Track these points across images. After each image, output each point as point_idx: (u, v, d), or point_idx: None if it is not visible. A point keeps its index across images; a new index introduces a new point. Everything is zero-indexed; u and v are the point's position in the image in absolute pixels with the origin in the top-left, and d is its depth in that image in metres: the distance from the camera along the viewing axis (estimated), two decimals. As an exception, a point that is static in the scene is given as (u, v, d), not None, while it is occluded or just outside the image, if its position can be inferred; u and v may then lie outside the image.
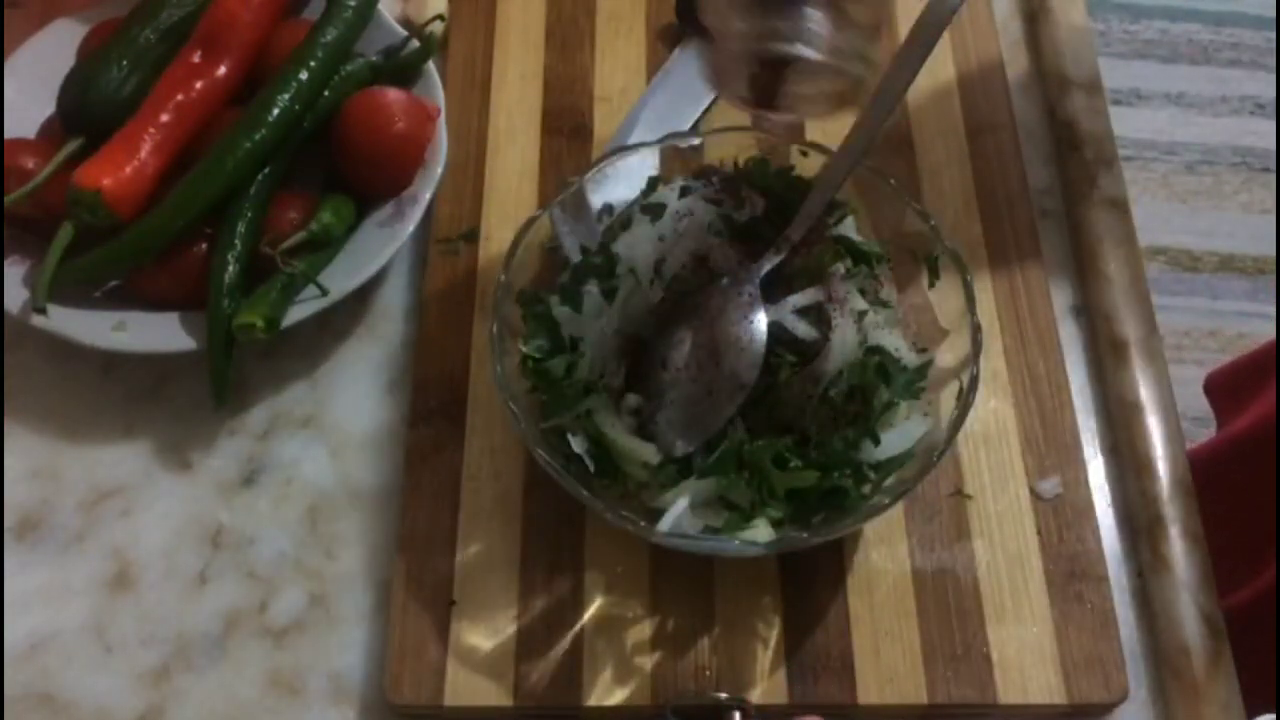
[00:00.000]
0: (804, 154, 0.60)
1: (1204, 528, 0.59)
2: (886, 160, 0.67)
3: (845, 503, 0.53)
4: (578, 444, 0.54)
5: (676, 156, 0.60)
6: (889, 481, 0.54)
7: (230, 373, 0.60)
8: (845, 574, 0.57)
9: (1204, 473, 0.60)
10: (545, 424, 0.54)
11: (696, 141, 0.60)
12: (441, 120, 0.65)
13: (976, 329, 0.54)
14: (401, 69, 0.67)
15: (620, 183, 0.60)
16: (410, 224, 0.62)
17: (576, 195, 0.59)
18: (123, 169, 0.59)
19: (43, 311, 0.58)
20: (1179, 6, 1.93)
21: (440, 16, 0.69)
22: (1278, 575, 0.73)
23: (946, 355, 0.57)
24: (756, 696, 0.53)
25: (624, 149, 0.60)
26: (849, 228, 0.59)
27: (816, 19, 0.47)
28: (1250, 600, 0.75)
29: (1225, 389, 0.90)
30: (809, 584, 0.56)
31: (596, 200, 0.59)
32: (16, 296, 0.60)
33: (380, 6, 0.68)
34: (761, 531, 0.52)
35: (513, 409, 0.52)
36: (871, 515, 0.52)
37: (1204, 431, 0.89)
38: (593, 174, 0.59)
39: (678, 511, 0.52)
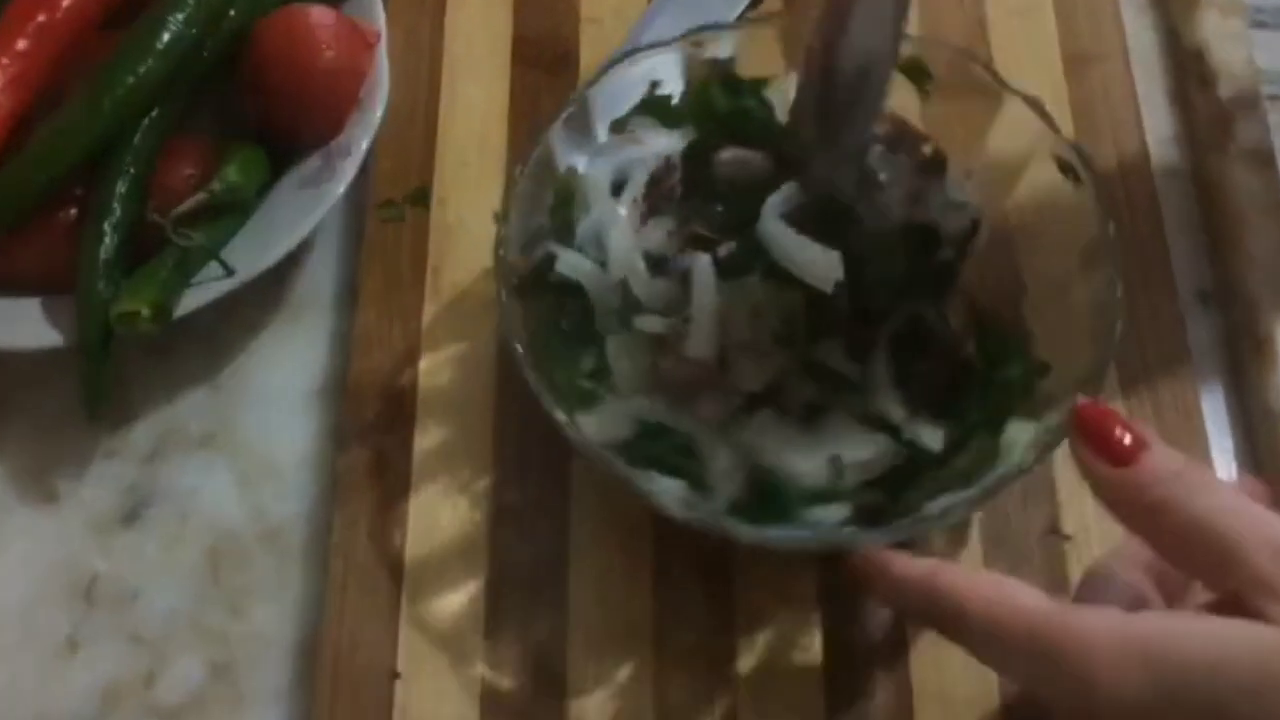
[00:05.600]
0: None
1: None
2: (961, 102, 0.59)
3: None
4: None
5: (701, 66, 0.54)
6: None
7: (108, 376, 0.55)
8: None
9: None
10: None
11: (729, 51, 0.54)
12: (382, 48, 0.60)
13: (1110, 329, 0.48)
14: (330, -19, 0.62)
15: (627, 100, 0.54)
16: (341, 183, 0.57)
17: (580, 114, 0.53)
18: (-37, 111, 0.54)
19: None
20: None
21: (381, -85, 0.63)
22: None
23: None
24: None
25: (639, 50, 0.54)
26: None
27: None
28: None
29: None
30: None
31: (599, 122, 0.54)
32: None
33: (303, -98, 0.62)
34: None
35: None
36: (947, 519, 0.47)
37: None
38: (598, 86, 0.53)
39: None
